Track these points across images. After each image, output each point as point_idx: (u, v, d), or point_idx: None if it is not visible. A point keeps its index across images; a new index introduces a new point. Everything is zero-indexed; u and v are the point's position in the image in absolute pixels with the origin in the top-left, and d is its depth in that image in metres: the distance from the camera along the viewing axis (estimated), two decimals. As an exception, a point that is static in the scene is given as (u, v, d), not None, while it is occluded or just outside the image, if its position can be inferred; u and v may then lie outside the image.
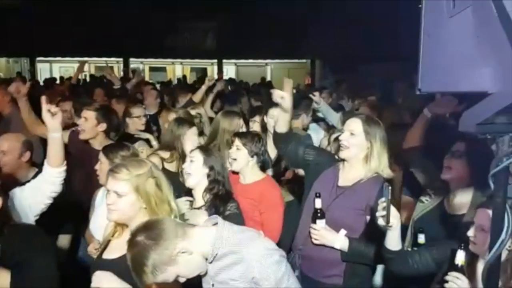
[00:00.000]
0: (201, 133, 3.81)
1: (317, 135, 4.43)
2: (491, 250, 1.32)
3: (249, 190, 2.82)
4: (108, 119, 3.46)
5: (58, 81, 11.42)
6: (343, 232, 2.37)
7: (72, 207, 3.02)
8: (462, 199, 2.31)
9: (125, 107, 4.35)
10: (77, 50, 14.14)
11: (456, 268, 1.79)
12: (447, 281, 1.79)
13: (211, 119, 4.22)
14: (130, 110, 4.16)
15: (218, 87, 5.59)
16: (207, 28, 15.56)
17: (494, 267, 1.37)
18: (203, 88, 5.18)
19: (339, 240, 2.36)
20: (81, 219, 3.17)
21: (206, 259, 1.73)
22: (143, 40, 14.00)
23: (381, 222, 1.91)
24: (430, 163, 2.61)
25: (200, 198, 2.56)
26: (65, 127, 4.19)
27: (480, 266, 1.83)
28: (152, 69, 19.28)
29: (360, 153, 2.40)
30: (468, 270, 1.81)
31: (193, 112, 4.10)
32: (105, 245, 2.06)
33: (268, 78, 16.54)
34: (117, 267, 1.91)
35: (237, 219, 2.35)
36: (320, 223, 2.39)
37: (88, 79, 13.38)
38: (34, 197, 2.42)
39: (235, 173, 2.92)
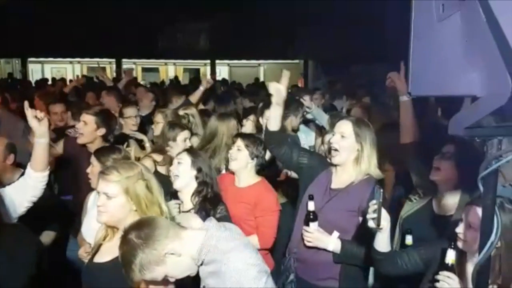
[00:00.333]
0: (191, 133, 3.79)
1: (307, 137, 4.42)
2: (481, 252, 1.33)
3: (244, 194, 2.82)
4: (107, 124, 3.45)
5: (50, 82, 11.34)
6: (336, 234, 2.38)
7: (61, 209, 3.00)
8: (450, 201, 2.33)
9: (116, 103, 4.33)
10: (69, 51, 14.06)
11: (446, 267, 1.80)
12: (438, 281, 1.80)
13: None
14: (122, 110, 4.20)
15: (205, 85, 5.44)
16: (200, 29, 15.52)
17: (484, 268, 1.39)
18: (201, 88, 5.15)
19: (332, 242, 2.37)
20: (72, 221, 3.16)
21: None
22: (135, 41, 13.93)
23: (371, 224, 1.92)
24: (422, 162, 2.63)
25: (188, 200, 2.54)
26: (56, 129, 4.21)
27: (469, 265, 1.85)
28: (144, 70, 19.20)
29: (350, 155, 2.42)
30: (458, 269, 1.82)
31: (181, 112, 4.08)
32: (97, 249, 2.06)
33: (261, 79, 16.55)
34: (108, 270, 1.91)
35: (227, 221, 2.34)
36: (313, 226, 2.39)
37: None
38: (13, 200, 2.40)
39: (231, 173, 2.91)
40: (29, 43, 13.66)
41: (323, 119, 4.62)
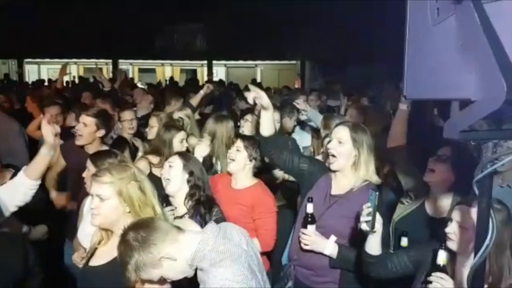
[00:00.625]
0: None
1: (302, 139, 4.42)
2: (476, 255, 1.33)
3: (240, 196, 2.80)
4: (107, 126, 3.45)
5: (46, 83, 11.30)
6: (333, 238, 2.36)
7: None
8: (443, 203, 2.33)
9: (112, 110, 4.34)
10: (65, 52, 14.02)
11: (438, 268, 1.80)
12: (430, 282, 1.80)
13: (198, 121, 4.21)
14: (119, 114, 4.20)
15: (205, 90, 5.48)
16: (197, 29, 15.53)
17: (479, 271, 1.39)
18: (201, 93, 5.15)
19: (329, 246, 2.35)
20: (68, 223, 3.15)
21: None
22: (132, 42, 13.92)
23: (364, 227, 1.92)
24: (413, 164, 2.63)
25: (181, 205, 2.51)
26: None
27: (459, 264, 1.84)
28: (141, 71, 19.17)
29: (348, 161, 2.40)
30: (448, 269, 1.82)
31: (176, 115, 4.07)
32: (92, 253, 2.04)
33: (258, 80, 16.55)
34: (103, 273, 1.90)
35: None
36: (311, 228, 2.37)
37: (77, 80, 13.22)
38: (4, 201, 2.37)
39: (228, 174, 2.90)
40: (26, 44, 13.63)
41: (319, 120, 4.61)
